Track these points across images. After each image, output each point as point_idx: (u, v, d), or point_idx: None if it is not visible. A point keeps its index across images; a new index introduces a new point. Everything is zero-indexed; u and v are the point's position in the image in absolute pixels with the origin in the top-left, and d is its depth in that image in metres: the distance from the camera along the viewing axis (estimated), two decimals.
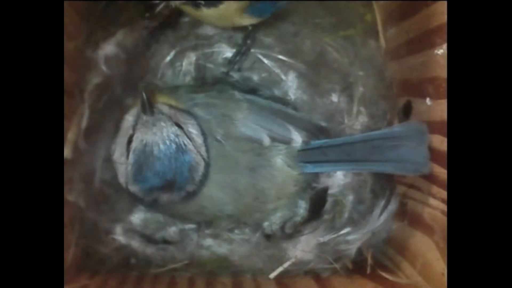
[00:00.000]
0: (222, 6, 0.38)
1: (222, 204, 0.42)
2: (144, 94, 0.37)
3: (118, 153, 0.40)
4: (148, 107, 0.37)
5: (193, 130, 0.39)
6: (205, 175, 0.39)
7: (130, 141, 0.38)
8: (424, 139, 0.40)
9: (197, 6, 0.39)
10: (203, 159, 0.39)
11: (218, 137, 0.40)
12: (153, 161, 0.37)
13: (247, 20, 0.42)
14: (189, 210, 0.42)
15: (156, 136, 0.37)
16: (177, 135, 0.37)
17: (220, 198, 0.41)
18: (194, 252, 0.46)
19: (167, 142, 0.37)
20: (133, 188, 0.40)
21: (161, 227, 0.46)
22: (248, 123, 0.41)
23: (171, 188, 0.38)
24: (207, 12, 0.39)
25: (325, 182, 0.45)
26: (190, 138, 0.38)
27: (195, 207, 0.42)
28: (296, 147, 0.42)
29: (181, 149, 0.37)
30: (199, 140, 0.39)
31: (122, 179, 0.40)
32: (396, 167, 0.41)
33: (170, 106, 0.39)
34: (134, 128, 0.38)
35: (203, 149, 0.39)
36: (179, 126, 0.38)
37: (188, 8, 0.40)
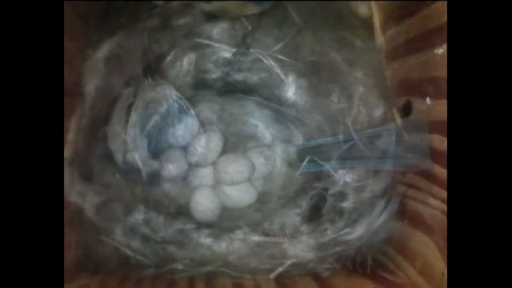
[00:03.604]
0: None
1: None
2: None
3: None
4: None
5: None
6: None
7: None
8: (423, 134, 0.40)
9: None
10: None
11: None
12: None
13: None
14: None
15: None
16: None
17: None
18: (194, 252, 0.46)
19: None
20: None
21: (161, 227, 0.46)
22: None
23: None
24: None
25: (325, 182, 0.45)
26: None
27: None
28: (296, 147, 0.42)
29: None
30: None
31: None
32: (397, 163, 0.41)
33: None
34: None
35: None
36: None
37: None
